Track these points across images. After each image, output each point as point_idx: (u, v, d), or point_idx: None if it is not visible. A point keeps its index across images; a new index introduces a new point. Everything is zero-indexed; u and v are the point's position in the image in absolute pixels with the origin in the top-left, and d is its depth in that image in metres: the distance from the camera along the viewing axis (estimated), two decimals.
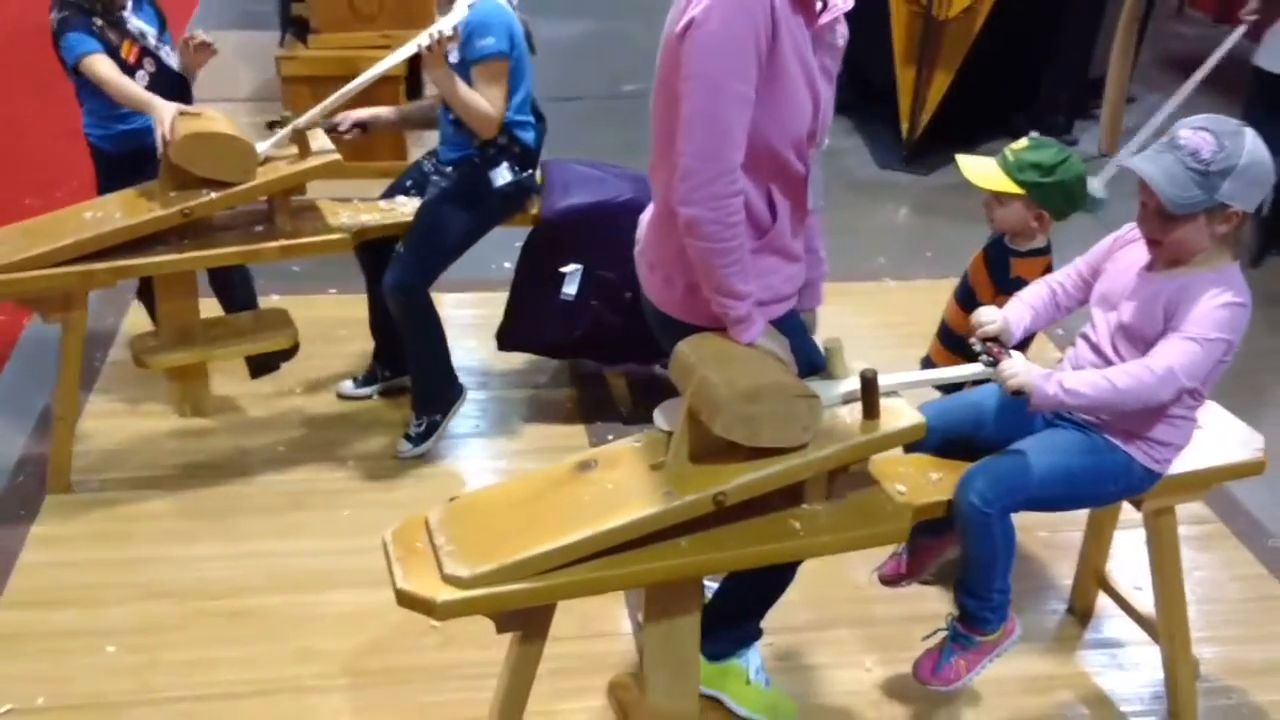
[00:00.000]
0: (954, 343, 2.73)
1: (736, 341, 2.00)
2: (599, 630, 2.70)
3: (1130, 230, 2.24)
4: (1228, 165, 1.97)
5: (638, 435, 2.12)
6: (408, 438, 3.27)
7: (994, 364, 2.05)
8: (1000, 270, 2.69)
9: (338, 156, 3.12)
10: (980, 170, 2.65)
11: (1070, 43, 5.87)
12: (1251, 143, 2.00)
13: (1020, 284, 2.52)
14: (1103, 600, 2.83)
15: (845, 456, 1.99)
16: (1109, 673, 2.72)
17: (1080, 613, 2.87)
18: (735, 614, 2.31)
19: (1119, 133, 5.76)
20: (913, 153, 5.55)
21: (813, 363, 2.11)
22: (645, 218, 2.19)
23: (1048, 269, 2.64)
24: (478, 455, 3.37)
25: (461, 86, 2.97)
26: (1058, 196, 2.60)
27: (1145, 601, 2.65)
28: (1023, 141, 2.66)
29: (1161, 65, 6.47)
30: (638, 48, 7.02)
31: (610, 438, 3.31)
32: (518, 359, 3.72)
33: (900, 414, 2.04)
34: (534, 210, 3.29)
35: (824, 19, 1.97)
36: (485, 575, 1.83)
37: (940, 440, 2.23)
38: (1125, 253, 2.23)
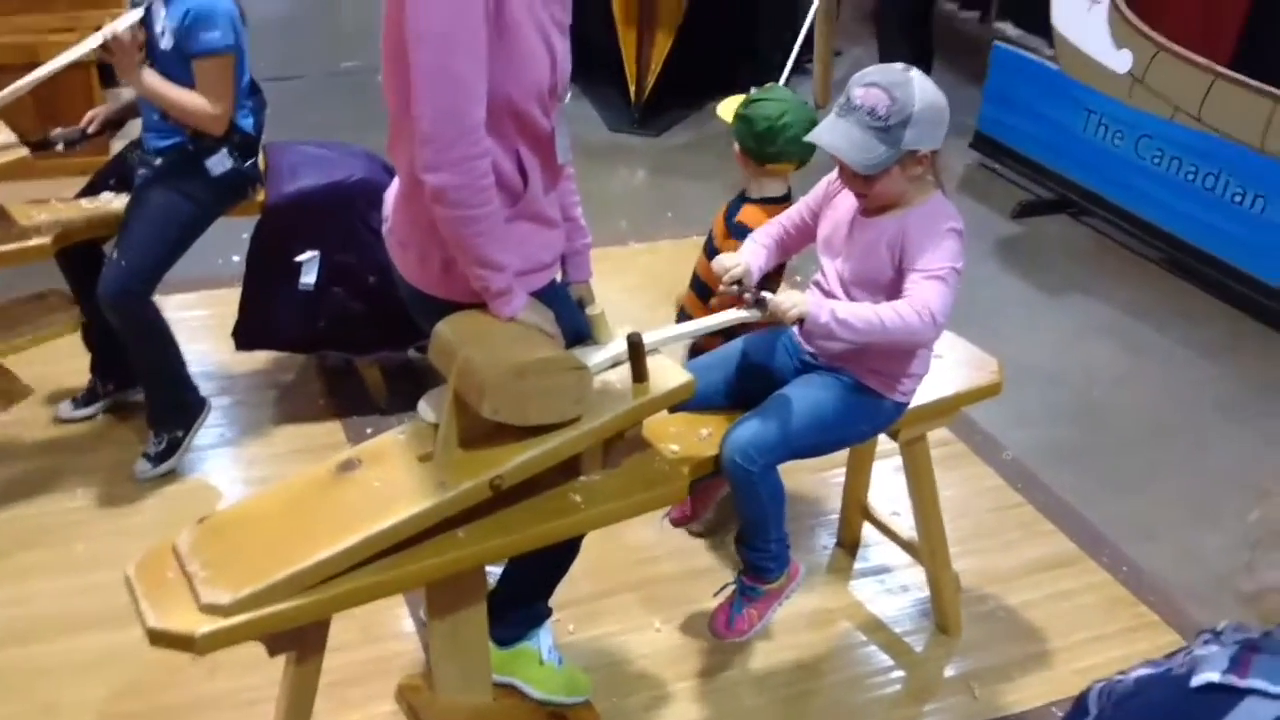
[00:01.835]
0: (708, 295, 2.76)
1: (498, 316, 1.92)
2: (380, 634, 2.58)
3: (838, 172, 2.30)
4: (905, 116, 2.03)
5: (401, 427, 2.01)
6: (147, 457, 3.00)
7: (759, 302, 2.06)
8: (730, 216, 2.75)
9: (23, 151, 2.80)
10: (724, 104, 2.75)
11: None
12: (920, 85, 2.06)
13: (744, 230, 2.58)
14: (868, 530, 2.95)
15: (619, 424, 1.95)
16: (880, 598, 2.85)
17: (849, 545, 2.99)
18: (523, 596, 2.25)
19: (830, 86, 6.01)
20: (643, 115, 5.59)
21: (579, 332, 2.06)
22: (391, 195, 2.07)
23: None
24: (228, 467, 3.13)
25: (172, 89, 2.74)
26: (747, 137, 2.68)
27: (904, 526, 2.79)
28: (767, 87, 2.73)
29: (863, 19, 6.81)
30: (355, 22, 6.78)
31: (370, 431, 3.16)
32: (259, 358, 3.49)
33: (669, 373, 2.03)
34: (259, 197, 3.07)
35: None
36: (249, 599, 1.68)
37: (702, 397, 2.24)
38: (841, 198, 2.29)
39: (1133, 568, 2.98)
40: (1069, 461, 3.38)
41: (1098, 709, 0.72)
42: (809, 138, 2.15)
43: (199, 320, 3.68)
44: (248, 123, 2.92)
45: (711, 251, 2.82)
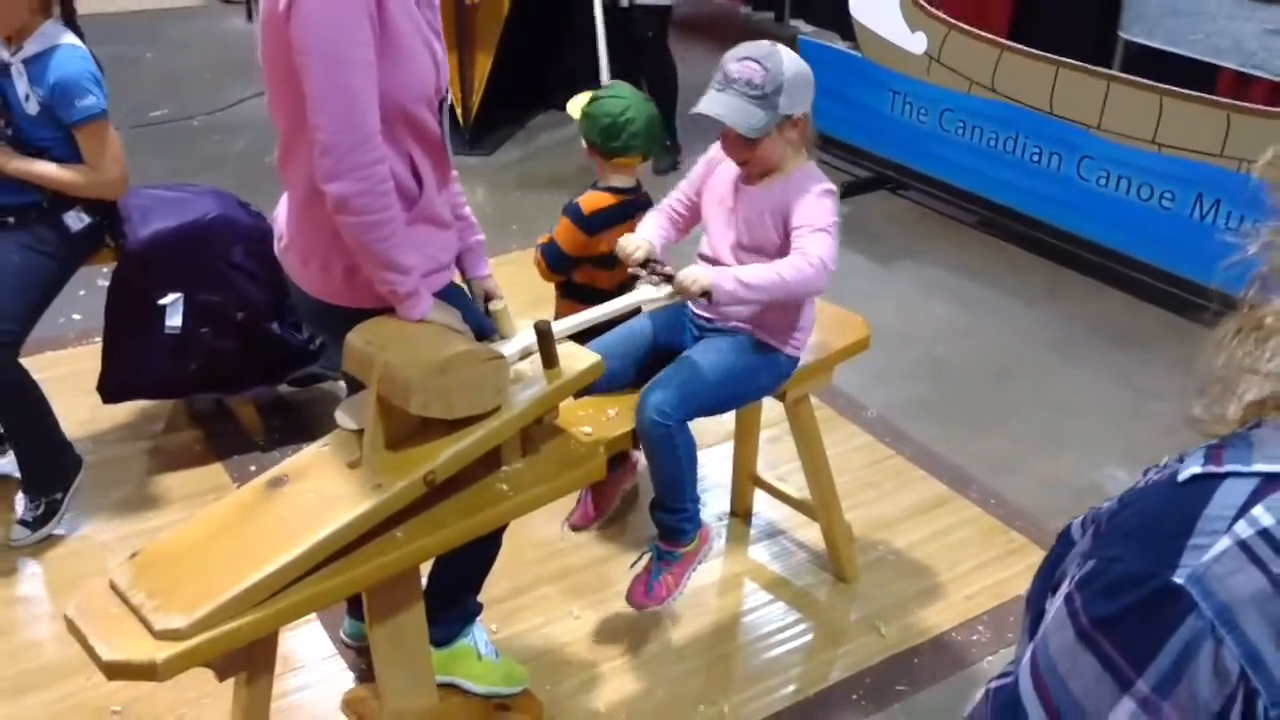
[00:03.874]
0: (577, 292, 2.86)
1: (406, 319, 1.97)
2: (304, 661, 2.56)
3: (716, 150, 2.45)
4: (778, 83, 2.22)
5: (321, 440, 2.02)
6: (24, 523, 2.87)
7: (666, 280, 2.17)
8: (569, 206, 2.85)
9: None
10: (572, 102, 2.98)
11: (587, 13, 6.21)
12: (787, 55, 2.25)
13: (575, 211, 2.77)
14: (759, 497, 3.10)
15: (539, 409, 2.02)
16: (781, 558, 3.00)
17: (742, 513, 3.13)
18: (453, 594, 2.28)
19: None
20: (474, 135, 5.64)
21: (482, 328, 2.12)
22: (281, 213, 2.09)
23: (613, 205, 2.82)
24: (114, 522, 3.01)
25: (57, 171, 2.72)
26: (593, 132, 2.81)
27: (792, 488, 2.95)
28: (610, 83, 2.87)
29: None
30: (159, 73, 6.60)
31: (253, 469, 3.12)
32: (125, 410, 3.37)
33: (577, 357, 2.11)
34: (112, 244, 3.00)
35: None
36: (204, 619, 1.67)
37: (609, 378, 2.33)
38: (720, 172, 2.44)
39: (999, 499, 3.23)
40: (928, 412, 3.62)
41: (1087, 534, 0.82)
42: (695, 110, 2.27)
43: (51, 380, 3.50)
44: None
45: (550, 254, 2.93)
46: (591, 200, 2.80)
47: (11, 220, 2.77)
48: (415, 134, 1.96)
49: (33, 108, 2.67)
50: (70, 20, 2.76)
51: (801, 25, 7.48)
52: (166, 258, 3.02)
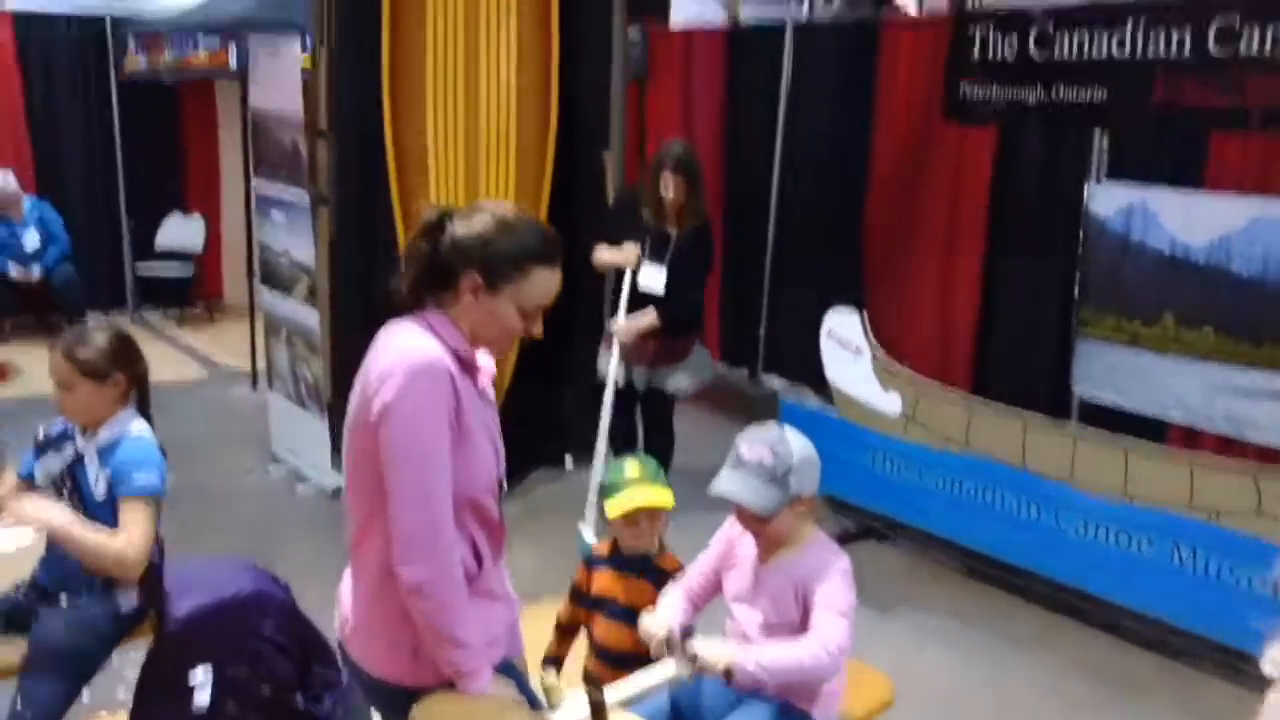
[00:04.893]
0: (606, 655, 2.95)
1: (466, 693, 2.07)
2: None
3: (731, 525, 2.66)
4: (788, 465, 2.46)
5: None
6: None
7: (693, 658, 2.30)
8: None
9: None
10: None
11: (581, 374, 6.61)
12: (795, 438, 2.51)
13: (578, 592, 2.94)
14: None
15: None
16: None
17: None
18: None
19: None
20: None
21: (533, 700, 2.22)
22: (345, 597, 2.23)
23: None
24: None
25: (79, 529, 2.75)
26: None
27: None
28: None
29: None
30: (163, 445, 6.81)
31: None
32: None
33: None
34: (152, 621, 3.09)
35: (481, 381, 2.23)
36: None
37: None
38: (739, 547, 2.64)
39: None
40: None
41: None
42: (712, 490, 2.48)
43: None
44: (155, 555, 2.99)
45: (577, 595, 3.05)
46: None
47: (63, 599, 2.86)
48: (479, 519, 2.15)
49: (100, 491, 2.84)
50: (144, 407, 2.99)
51: (774, 380, 7.97)
52: (202, 634, 3.10)
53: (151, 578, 3.00)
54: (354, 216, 5.76)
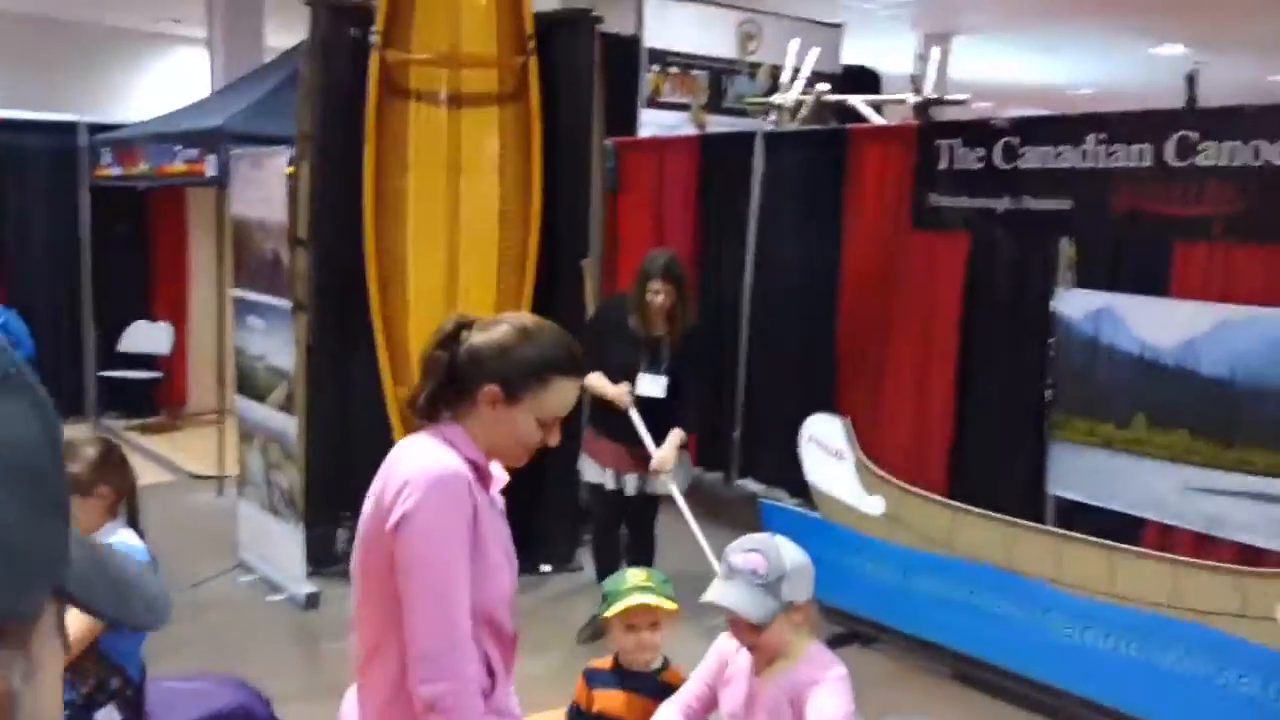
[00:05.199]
0: None
1: None
2: None
3: (724, 640, 2.64)
4: (781, 572, 2.45)
5: None
6: None
7: None
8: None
9: None
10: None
11: (558, 480, 6.61)
12: (787, 546, 2.51)
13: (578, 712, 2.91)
14: None
15: None
16: None
17: None
18: None
19: None
20: None
21: None
22: (349, 715, 2.17)
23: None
24: None
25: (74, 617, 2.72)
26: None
27: None
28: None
29: None
30: None
31: None
32: None
33: None
34: None
35: (494, 489, 2.21)
36: None
37: None
38: (734, 663, 2.61)
39: None
40: None
41: None
42: (704, 599, 2.47)
43: None
44: (136, 673, 2.91)
45: (577, 715, 2.99)
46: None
47: None
48: (494, 634, 2.12)
49: None
50: (134, 520, 2.95)
51: (750, 483, 7.96)
52: None
53: (136, 693, 2.91)
54: (330, 324, 5.77)
